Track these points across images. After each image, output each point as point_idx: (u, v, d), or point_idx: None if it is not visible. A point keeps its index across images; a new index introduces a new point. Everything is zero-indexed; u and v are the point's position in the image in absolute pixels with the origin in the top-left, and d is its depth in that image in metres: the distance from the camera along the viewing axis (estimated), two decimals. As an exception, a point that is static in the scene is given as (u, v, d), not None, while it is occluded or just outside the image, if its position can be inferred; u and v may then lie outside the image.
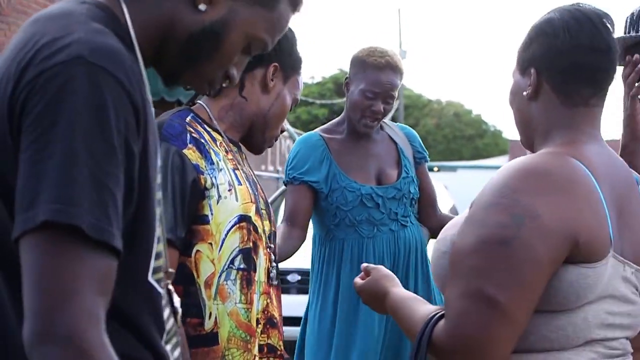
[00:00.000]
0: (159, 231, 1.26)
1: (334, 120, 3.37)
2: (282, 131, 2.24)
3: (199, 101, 2.17)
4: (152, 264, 1.24)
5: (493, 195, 1.58)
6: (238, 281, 2.00)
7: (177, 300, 1.37)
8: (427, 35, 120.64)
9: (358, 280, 1.91)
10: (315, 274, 3.30)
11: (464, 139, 44.38)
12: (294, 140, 30.16)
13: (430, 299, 3.14)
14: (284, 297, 8.72)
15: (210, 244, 1.98)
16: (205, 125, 2.11)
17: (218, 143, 2.10)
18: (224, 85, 1.41)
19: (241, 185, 2.07)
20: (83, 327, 1.06)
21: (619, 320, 1.64)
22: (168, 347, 1.30)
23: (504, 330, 1.54)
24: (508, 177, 1.59)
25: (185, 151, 1.98)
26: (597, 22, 1.68)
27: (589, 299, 1.58)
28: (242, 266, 2.01)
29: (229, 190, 2.02)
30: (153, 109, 1.26)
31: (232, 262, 2.00)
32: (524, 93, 1.73)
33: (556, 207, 1.54)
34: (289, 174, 3.22)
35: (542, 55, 1.70)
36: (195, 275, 1.97)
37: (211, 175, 2.00)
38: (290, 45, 2.18)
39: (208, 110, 2.14)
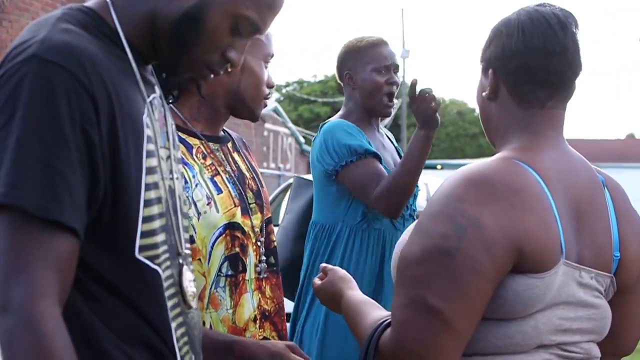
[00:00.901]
0: (157, 210, 1.34)
1: (337, 115, 3.26)
2: (271, 86, 2.12)
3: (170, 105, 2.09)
4: (138, 242, 1.31)
5: (438, 205, 1.57)
6: (227, 287, 2.00)
7: (188, 280, 1.42)
8: (430, 34, 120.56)
9: (316, 280, 1.93)
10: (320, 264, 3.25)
11: (467, 137, 44.44)
12: (296, 139, 29.94)
13: None
14: (284, 295, 8.18)
15: (200, 259, 1.97)
16: (180, 134, 2.01)
17: (194, 150, 2.05)
18: (228, 68, 1.44)
19: (221, 192, 2.03)
20: (31, 300, 1.17)
21: (576, 325, 1.62)
22: (173, 325, 1.37)
23: (447, 341, 1.53)
24: (454, 185, 1.57)
25: None
26: (553, 22, 1.65)
27: (537, 307, 1.56)
28: (229, 272, 2.01)
29: (208, 204, 1.99)
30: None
31: (220, 270, 2.00)
32: (483, 93, 1.73)
33: (500, 216, 1.52)
34: (355, 149, 3.01)
35: (497, 57, 1.68)
36: None
37: (187, 195, 1.95)
38: None
39: (179, 113, 2.06)
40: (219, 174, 2.06)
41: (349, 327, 1.80)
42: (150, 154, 1.34)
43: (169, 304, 1.37)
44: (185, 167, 1.99)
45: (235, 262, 2.02)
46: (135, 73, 1.36)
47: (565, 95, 1.68)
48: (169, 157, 1.42)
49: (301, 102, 45.99)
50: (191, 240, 1.94)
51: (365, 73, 3.15)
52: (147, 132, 1.34)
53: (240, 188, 2.09)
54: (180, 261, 1.42)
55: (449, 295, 1.52)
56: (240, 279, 2.03)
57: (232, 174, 2.10)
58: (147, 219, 1.33)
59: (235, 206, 2.04)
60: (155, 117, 1.39)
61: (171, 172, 1.42)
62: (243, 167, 2.16)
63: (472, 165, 1.61)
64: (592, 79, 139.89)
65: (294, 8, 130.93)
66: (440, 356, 1.54)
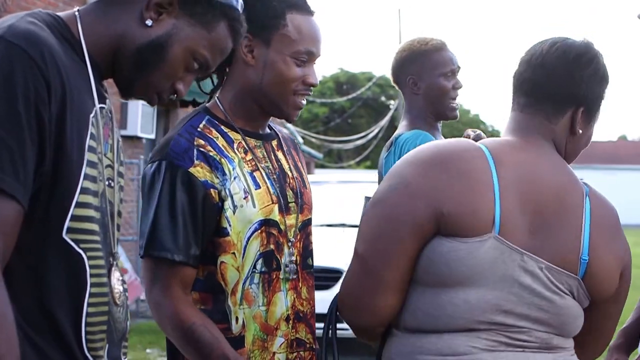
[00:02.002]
0: (92, 201, 1.48)
1: (405, 125, 3.14)
2: (310, 85, 2.04)
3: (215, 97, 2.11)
4: (67, 223, 1.44)
5: (393, 166, 1.84)
6: (260, 284, 2.01)
7: (116, 278, 1.56)
8: (427, 34, 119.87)
9: None
10: None
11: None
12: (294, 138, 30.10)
13: None
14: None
15: (234, 253, 1.99)
16: (222, 127, 2.06)
17: (235, 145, 2.05)
18: (172, 97, 1.65)
19: (259, 188, 2.02)
20: None
21: (520, 310, 1.72)
22: (89, 311, 1.48)
23: (368, 283, 1.77)
24: (411, 151, 1.85)
25: (191, 169, 1.95)
26: (549, 43, 1.85)
27: (463, 275, 1.69)
28: (263, 269, 2.01)
29: (245, 197, 1.99)
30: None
31: (254, 266, 2.01)
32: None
33: (426, 178, 1.74)
34: None
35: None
36: (223, 284, 1.99)
37: (224, 187, 1.97)
38: (250, 8, 1.91)
39: (221, 107, 2.09)
40: (258, 169, 2.05)
41: None
42: (91, 149, 1.48)
43: (92, 291, 1.48)
44: (225, 159, 2.00)
45: (269, 259, 2.03)
46: (91, 77, 1.52)
47: (549, 109, 1.82)
48: (109, 165, 1.56)
49: (299, 102, 45.99)
50: (224, 232, 1.99)
51: (432, 78, 3.09)
52: (92, 129, 1.49)
53: (281, 186, 2.08)
54: (112, 260, 1.56)
55: (372, 242, 1.78)
56: (274, 277, 2.04)
57: (273, 171, 2.09)
58: (82, 205, 1.46)
59: (272, 203, 2.04)
60: (101, 124, 1.53)
61: (111, 180, 1.56)
62: (286, 166, 2.14)
63: (439, 140, 1.84)
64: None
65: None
66: (361, 295, 1.78)
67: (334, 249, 7.47)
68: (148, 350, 7.79)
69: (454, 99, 3.15)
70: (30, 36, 1.41)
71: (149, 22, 1.56)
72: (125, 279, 1.60)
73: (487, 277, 1.70)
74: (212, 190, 1.96)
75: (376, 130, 38.55)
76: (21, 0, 9.89)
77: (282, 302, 2.04)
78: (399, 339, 1.80)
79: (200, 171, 1.96)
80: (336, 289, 7.87)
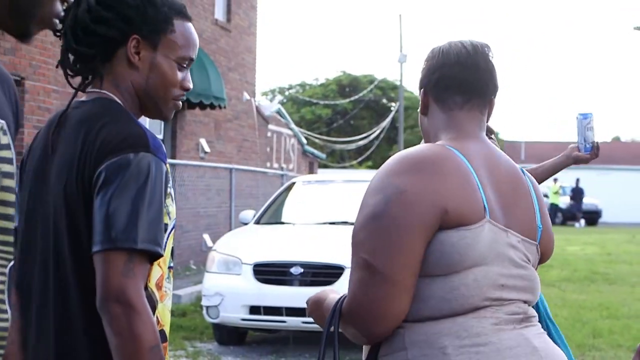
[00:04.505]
0: None
1: None
2: (186, 89, 2.05)
3: (98, 89, 2.00)
4: None
5: (374, 182, 1.91)
6: (171, 279, 2.02)
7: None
8: (427, 39, 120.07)
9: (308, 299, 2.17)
10: None
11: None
12: (298, 140, 29.72)
13: None
14: (287, 289, 9.29)
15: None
16: None
17: None
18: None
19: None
20: None
21: (512, 282, 1.91)
22: None
23: (382, 290, 1.83)
24: (387, 164, 1.92)
25: (167, 166, 1.91)
26: (466, 45, 2.05)
27: (472, 259, 1.85)
28: (171, 264, 2.03)
29: (173, 195, 2.01)
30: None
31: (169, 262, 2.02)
32: (418, 110, 2.13)
33: (422, 182, 1.84)
34: None
35: (425, 76, 2.09)
36: (149, 282, 1.90)
37: (169, 185, 1.95)
38: (142, 10, 1.96)
39: (120, 102, 2.00)
40: None
41: (325, 314, 2.02)
42: None
43: None
44: None
45: (172, 254, 2.04)
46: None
47: (480, 102, 2.04)
48: None
49: (303, 104, 46.10)
50: (164, 229, 1.90)
51: None
52: None
53: None
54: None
55: (378, 251, 1.83)
56: (172, 270, 2.08)
57: None
58: None
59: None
60: None
61: None
62: None
63: (405, 149, 1.96)
64: (579, 84, 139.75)
65: (297, 14, 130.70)
66: (378, 305, 1.84)
67: (336, 246, 7.68)
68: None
69: None
70: None
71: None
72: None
73: (488, 256, 1.86)
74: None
75: (377, 131, 38.71)
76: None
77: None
78: (410, 330, 1.87)
79: (167, 167, 1.93)
80: (339, 284, 8.03)
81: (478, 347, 1.83)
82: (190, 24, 2.05)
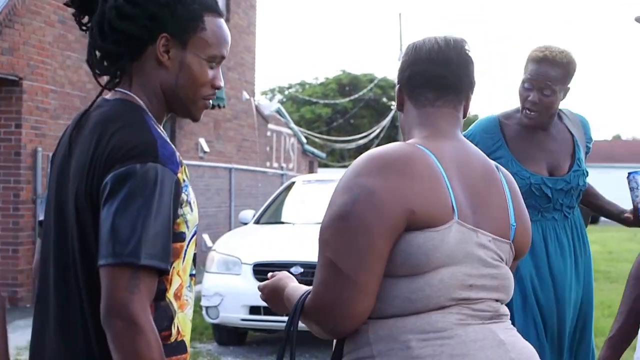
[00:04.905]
0: None
1: (515, 107, 3.53)
2: (216, 88, 2.00)
3: (124, 90, 1.93)
4: None
5: (342, 180, 1.89)
6: (193, 287, 1.96)
7: None
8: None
9: (261, 284, 2.17)
10: None
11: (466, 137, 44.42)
12: (298, 139, 29.70)
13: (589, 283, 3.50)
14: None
15: (180, 257, 1.88)
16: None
17: None
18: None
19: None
20: None
21: (481, 282, 1.90)
22: None
23: (345, 291, 1.82)
24: (355, 164, 1.90)
25: (179, 175, 1.83)
26: (439, 40, 2.03)
27: (439, 260, 1.84)
28: (193, 272, 1.96)
29: (194, 202, 1.92)
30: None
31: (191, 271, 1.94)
32: (395, 105, 2.13)
33: (389, 184, 1.83)
34: None
35: (399, 72, 2.08)
36: (167, 291, 1.84)
37: (186, 192, 1.87)
38: (172, 8, 1.90)
39: (143, 104, 1.93)
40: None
41: (289, 306, 2.01)
42: None
43: None
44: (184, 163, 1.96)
45: (195, 262, 1.98)
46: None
47: (453, 99, 2.02)
48: None
49: (303, 103, 46.11)
50: (182, 237, 1.87)
51: (521, 82, 3.41)
52: None
53: None
54: None
55: (344, 252, 1.82)
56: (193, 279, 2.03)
57: None
58: None
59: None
60: None
61: None
62: None
63: (374, 148, 1.94)
64: (579, 82, 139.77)
65: (297, 13, 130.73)
66: (341, 305, 1.84)
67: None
68: None
69: (529, 109, 3.42)
70: None
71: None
72: None
73: (455, 256, 1.86)
74: (184, 194, 1.86)
75: (377, 130, 38.68)
76: (31, 5, 10.09)
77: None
78: (374, 326, 1.87)
79: (181, 175, 1.85)
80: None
81: (443, 339, 1.82)
82: (221, 20, 1.99)
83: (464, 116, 2.06)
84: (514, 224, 1.99)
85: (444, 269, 1.85)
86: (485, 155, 2.05)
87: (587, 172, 3.46)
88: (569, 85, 3.41)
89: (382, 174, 1.84)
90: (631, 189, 3.45)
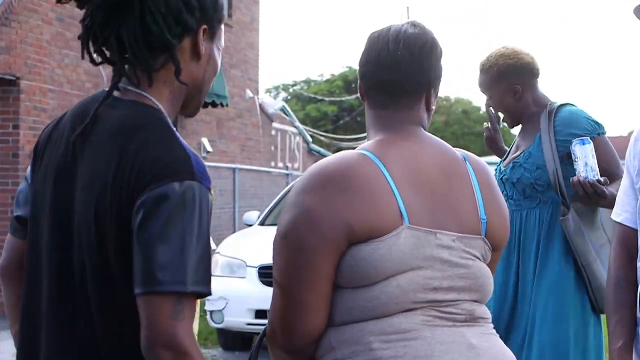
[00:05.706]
0: None
1: None
2: None
3: (140, 90, 1.79)
4: None
5: (289, 196, 1.88)
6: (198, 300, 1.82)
7: None
8: (435, 32, 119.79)
9: None
10: None
11: (472, 135, 44.39)
12: (303, 137, 29.72)
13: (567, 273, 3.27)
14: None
15: None
16: None
17: None
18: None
19: None
20: None
21: (447, 284, 1.84)
22: None
23: (291, 310, 1.84)
24: (301, 179, 1.89)
25: (210, 191, 1.73)
26: (391, 39, 1.94)
27: (390, 269, 1.80)
28: None
29: None
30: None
31: None
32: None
33: (326, 201, 1.80)
34: None
35: (358, 65, 2.02)
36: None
37: None
38: (209, 3, 1.82)
39: (162, 108, 1.78)
40: None
41: None
42: None
43: None
44: None
45: None
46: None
47: (408, 101, 1.93)
48: None
49: (308, 101, 46.05)
50: None
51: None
52: None
53: None
54: None
55: (285, 271, 1.83)
56: None
57: None
58: None
59: None
60: None
61: None
62: None
63: (322, 160, 1.87)
64: (595, 77, 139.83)
65: (301, 8, 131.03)
66: (293, 324, 1.84)
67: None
68: None
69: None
70: None
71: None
72: None
73: (411, 262, 1.81)
74: None
75: (384, 128, 38.59)
76: (28, 2, 9.99)
77: None
78: (336, 331, 1.85)
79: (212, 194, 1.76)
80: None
81: (407, 341, 1.80)
82: None
83: (429, 110, 1.98)
84: (484, 218, 1.91)
85: (399, 276, 1.81)
86: (450, 148, 1.97)
87: (537, 168, 3.32)
88: (515, 83, 3.41)
89: (319, 191, 1.82)
90: (574, 161, 3.22)
